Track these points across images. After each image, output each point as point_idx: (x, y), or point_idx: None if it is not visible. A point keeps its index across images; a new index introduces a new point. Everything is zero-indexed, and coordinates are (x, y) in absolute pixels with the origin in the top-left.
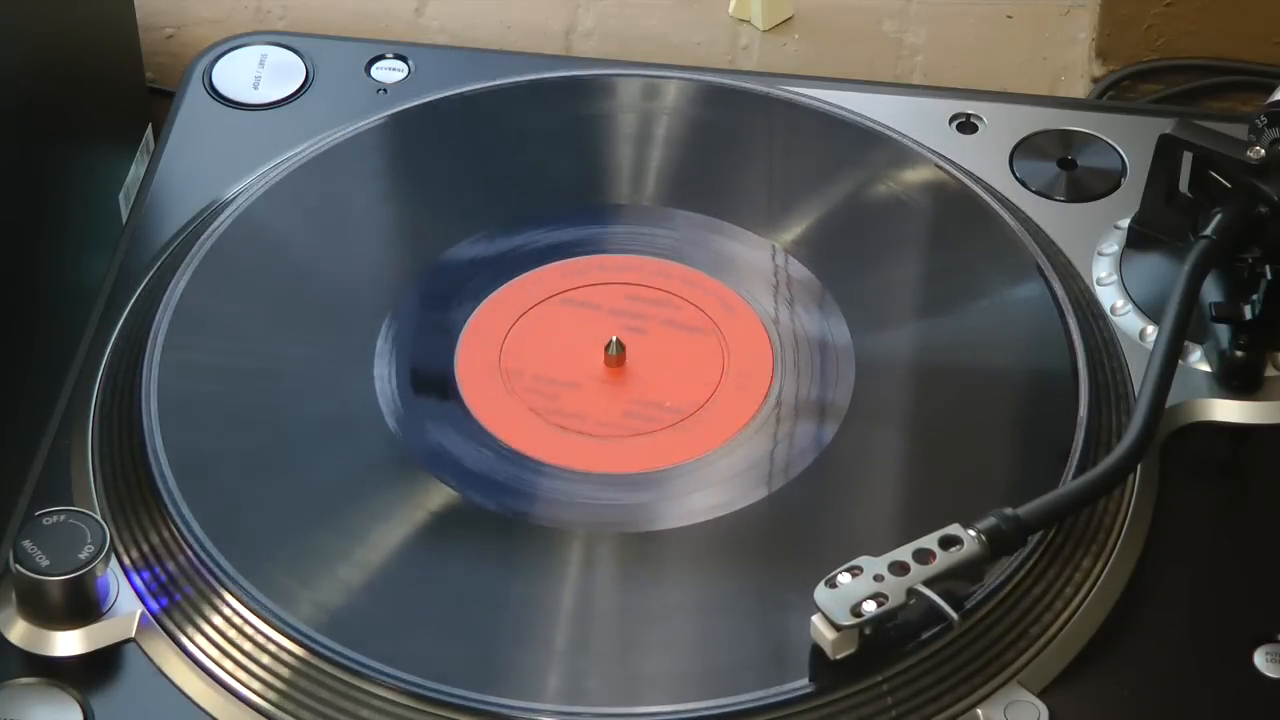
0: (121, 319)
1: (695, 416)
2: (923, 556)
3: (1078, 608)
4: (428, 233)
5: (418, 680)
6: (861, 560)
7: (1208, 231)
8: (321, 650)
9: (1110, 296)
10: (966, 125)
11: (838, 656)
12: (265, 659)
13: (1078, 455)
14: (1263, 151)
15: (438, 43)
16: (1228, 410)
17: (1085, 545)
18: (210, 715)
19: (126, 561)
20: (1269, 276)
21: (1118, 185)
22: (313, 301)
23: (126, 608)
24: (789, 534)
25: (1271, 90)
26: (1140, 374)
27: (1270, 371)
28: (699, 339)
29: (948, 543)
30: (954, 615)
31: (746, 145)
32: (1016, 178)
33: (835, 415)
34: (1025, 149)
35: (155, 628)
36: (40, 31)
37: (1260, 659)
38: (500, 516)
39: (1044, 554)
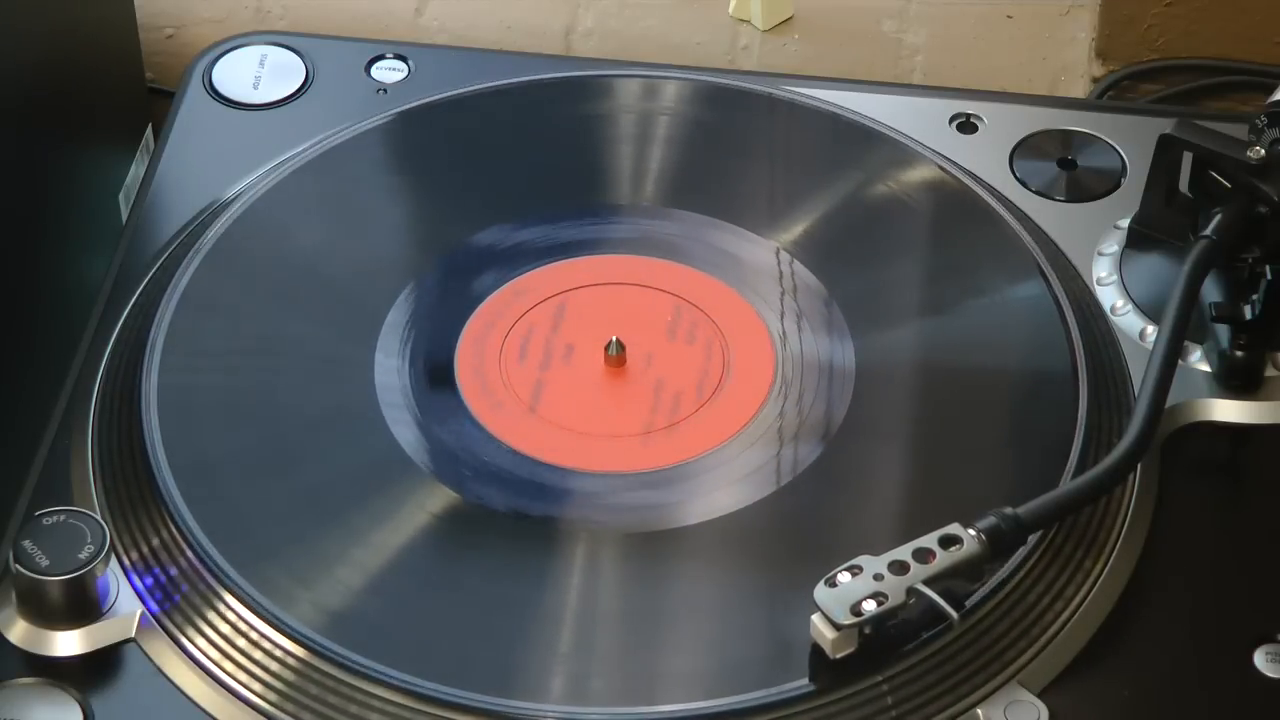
0: (122, 319)
1: (696, 416)
2: (922, 556)
3: (1078, 608)
4: (428, 233)
5: (418, 680)
6: (861, 559)
7: (1208, 231)
8: (322, 650)
9: (1110, 296)
10: (966, 125)
11: (837, 656)
12: (265, 659)
13: (1078, 455)
14: (1263, 151)
15: (438, 43)
16: (1228, 410)
17: (1085, 545)
18: (210, 715)
19: (126, 562)
20: (1269, 276)
21: (1118, 185)
22: (313, 301)
23: (126, 608)
24: (789, 533)
25: (1271, 90)
26: (1140, 374)
27: (1270, 371)
28: (700, 339)
29: (947, 542)
30: (954, 614)
31: (747, 145)
32: (1016, 178)
33: (836, 414)
34: (1025, 149)
35: (155, 628)
36: (40, 31)
37: (1260, 659)
38: (500, 516)
39: (1044, 554)
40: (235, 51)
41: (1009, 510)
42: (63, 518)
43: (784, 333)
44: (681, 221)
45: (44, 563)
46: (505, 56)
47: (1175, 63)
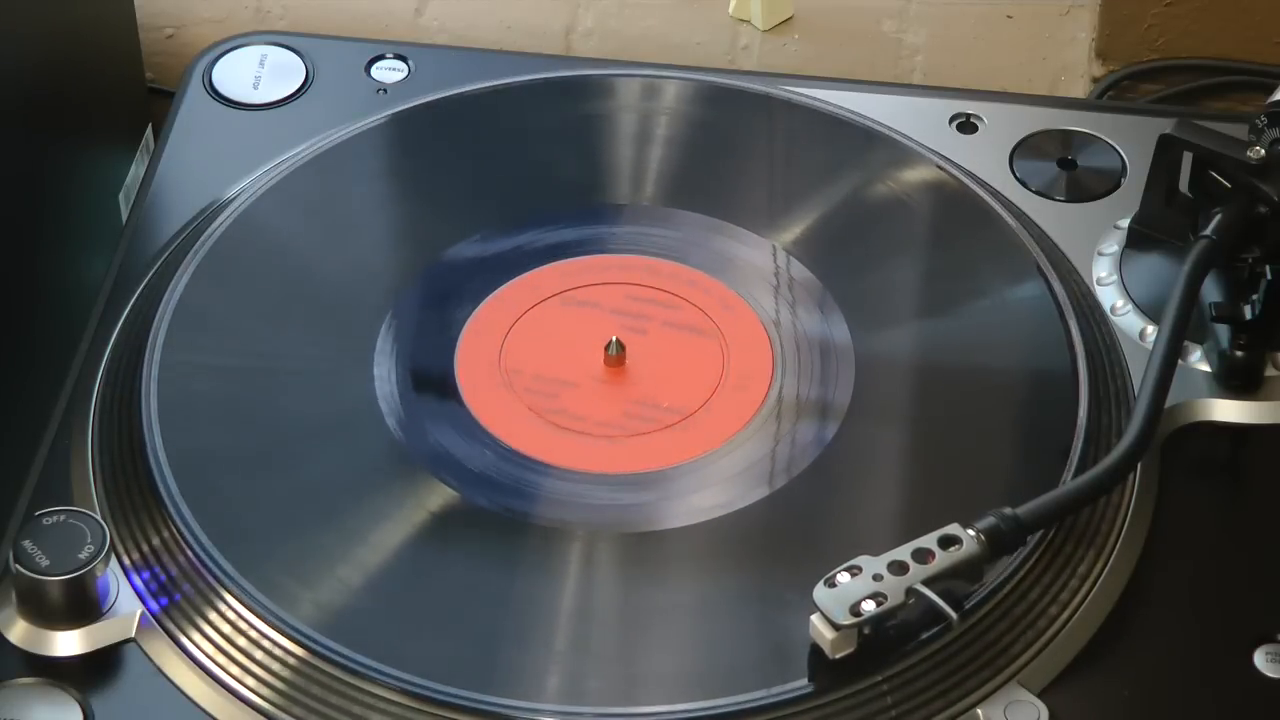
0: (121, 319)
1: (695, 416)
2: (922, 556)
3: (1078, 608)
4: (428, 233)
5: (418, 680)
6: (861, 560)
7: (1208, 231)
8: (321, 650)
9: (1110, 296)
10: (966, 125)
11: (837, 656)
12: (265, 659)
13: (1078, 455)
14: (1263, 151)
15: (438, 43)
16: (1228, 410)
17: (1085, 545)
18: (210, 715)
19: (126, 561)
20: (1269, 276)
21: (1118, 185)
22: (313, 301)
23: (126, 608)
24: (789, 534)
25: (1271, 90)
26: (1140, 374)
27: (1270, 371)
28: (699, 339)
29: (947, 542)
30: (953, 615)
31: (746, 145)
32: (1016, 178)
33: (835, 415)
34: (1025, 149)
35: (155, 628)
36: (40, 31)
37: (1260, 659)
38: (500, 516)
39: (1044, 554)
40: (235, 51)
41: (1009, 510)
42: (63, 518)
43: (783, 332)
44: (681, 221)
45: (44, 563)
46: (505, 56)
47: (1175, 63)
